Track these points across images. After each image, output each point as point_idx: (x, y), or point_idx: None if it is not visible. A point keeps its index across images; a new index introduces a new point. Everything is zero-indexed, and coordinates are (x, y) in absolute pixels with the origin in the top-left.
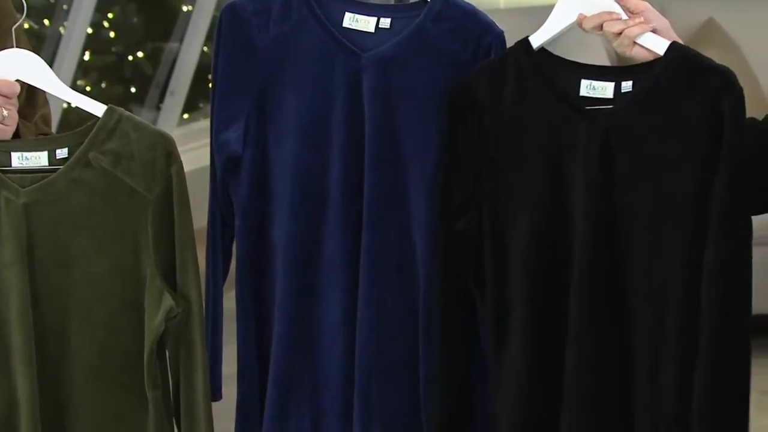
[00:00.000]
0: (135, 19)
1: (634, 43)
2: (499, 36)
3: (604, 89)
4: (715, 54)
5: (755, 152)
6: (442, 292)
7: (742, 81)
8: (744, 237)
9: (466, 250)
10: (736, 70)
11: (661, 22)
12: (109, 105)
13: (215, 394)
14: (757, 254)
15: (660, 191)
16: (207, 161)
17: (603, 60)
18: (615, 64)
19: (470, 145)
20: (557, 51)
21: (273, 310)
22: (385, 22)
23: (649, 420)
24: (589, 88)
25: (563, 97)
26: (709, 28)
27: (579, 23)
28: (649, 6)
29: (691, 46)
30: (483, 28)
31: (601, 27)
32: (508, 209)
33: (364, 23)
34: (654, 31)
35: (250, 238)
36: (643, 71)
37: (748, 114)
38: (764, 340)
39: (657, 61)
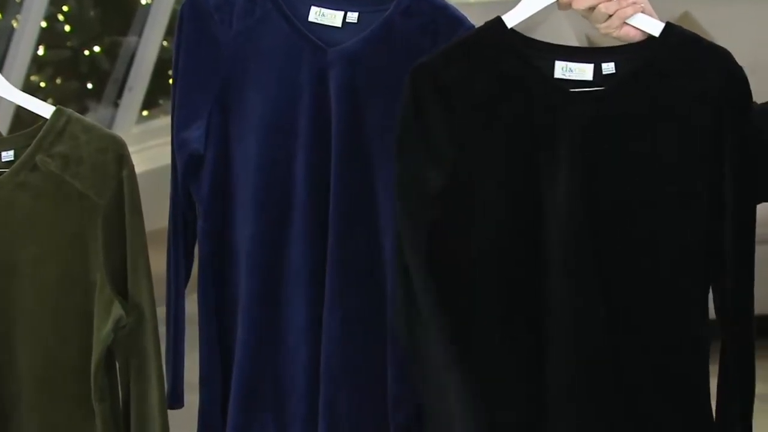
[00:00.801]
0: (91, 12)
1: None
2: (470, 30)
3: (583, 71)
4: None
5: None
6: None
7: None
8: (752, 225)
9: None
10: None
11: (647, 6)
12: (58, 106)
13: (177, 402)
14: (757, 252)
15: (650, 174)
16: (167, 160)
17: (572, 42)
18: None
19: (434, 131)
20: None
21: (236, 314)
22: (353, 17)
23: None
24: (565, 69)
25: (542, 80)
26: (685, 23)
27: (565, 3)
28: None
29: None
30: (454, 22)
31: (592, 8)
32: (481, 197)
33: (331, 17)
34: (643, 12)
35: (212, 240)
36: (626, 53)
37: None
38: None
39: (649, 42)
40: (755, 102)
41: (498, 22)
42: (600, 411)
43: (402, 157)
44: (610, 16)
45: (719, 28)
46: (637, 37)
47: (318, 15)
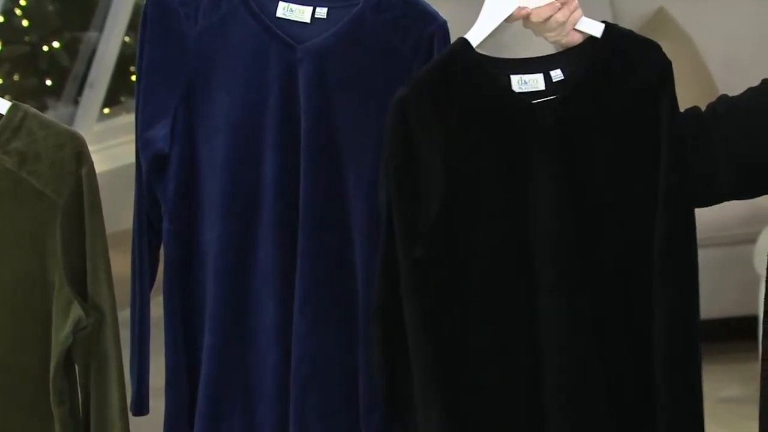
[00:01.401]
0: (50, 7)
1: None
2: (443, 26)
3: (536, 81)
4: (666, 46)
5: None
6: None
7: (694, 73)
8: (691, 217)
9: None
10: (688, 63)
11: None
12: (14, 102)
13: (142, 407)
14: (707, 256)
15: (617, 173)
16: (130, 159)
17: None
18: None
19: (421, 163)
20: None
21: (203, 317)
22: (322, 12)
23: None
24: (521, 82)
25: (507, 95)
26: (660, 18)
27: (523, 16)
28: None
29: None
30: (425, 17)
31: (547, 18)
32: (468, 221)
33: (300, 13)
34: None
35: (178, 242)
36: (568, 57)
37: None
38: (716, 346)
39: (590, 44)
40: (726, 94)
41: (464, 42)
42: (592, 417)
43: (394, 197)
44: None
45: (694, 24)
46: (579, 40)
47: (286, 10)
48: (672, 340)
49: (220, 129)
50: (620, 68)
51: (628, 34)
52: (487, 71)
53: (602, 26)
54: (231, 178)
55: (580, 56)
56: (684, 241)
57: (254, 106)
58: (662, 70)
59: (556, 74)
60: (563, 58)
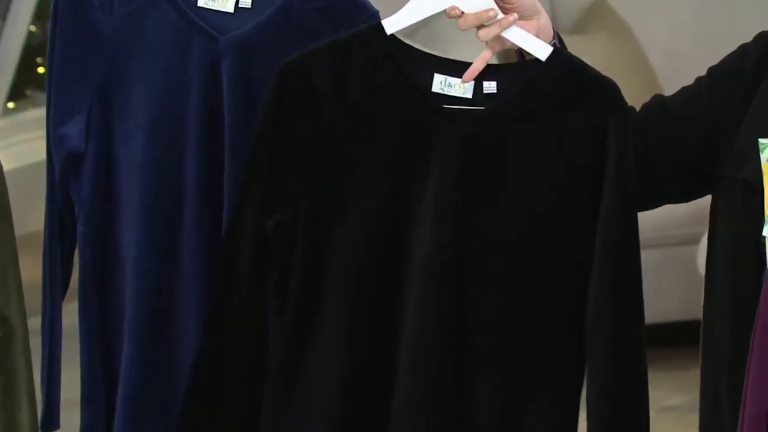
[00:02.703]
0: None
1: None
2: (375, 16)
3: (463, 87)
4: (605, 37)
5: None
6: (224, 295)
7: (635, 66)
8: (636, 259)
9: (267, 251)
10: (628, 55)
11: (543, 17)
12: None
13: (51, 422)
14: (647, 258)
15: (530, 209)
16: (39, 156)
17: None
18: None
19: (298, 139)
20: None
21: (122, 325)
22: (246, 1)
23: None
24: (444, 84)
25: (418, 93)
26: (599, 8)
27: (454, 16)
28: None
29: (580, 29)
30: (357, 7)
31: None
32: (334, 213)
33: (222, 2)
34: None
35: (94, 246)
36: (509, 72)
37: (642, 101)
38: (658, 352)
39: (534, 65)
40: (660, 94)
41: (377, 26)
42: None
43: (255, 167)
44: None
45: (634, 15)
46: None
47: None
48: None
49: (139, 126)
50: (562, 100)
51: (580, 65)
52: (399, 62)
53: (549, 50)
54: (151, 178)
55: (521, 74)
56: (630, 298)
57: (175, 101)
58: (617, 114)
59: (490, 86)
60: (503, 71)
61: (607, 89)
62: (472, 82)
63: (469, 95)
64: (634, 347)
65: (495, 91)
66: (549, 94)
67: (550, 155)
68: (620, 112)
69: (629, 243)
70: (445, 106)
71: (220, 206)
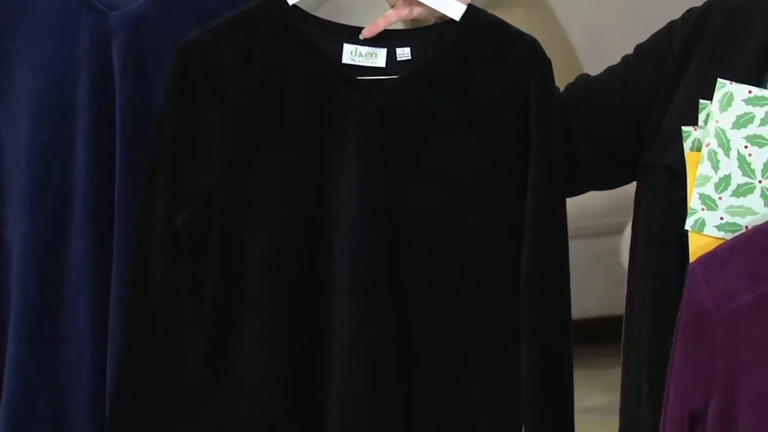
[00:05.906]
0: None
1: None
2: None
3: (374, 56)
4: (522, 13)
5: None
6: (138, 292)
7: (554, 43)
8: (563, 227)
9: (180, 244)
10: (546, 32)
11: None
12: None
13: None
14: (574, 248)
15: (454, 178)
16: None
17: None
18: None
19: (203, 124)
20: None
21: (6, 326)
22: None
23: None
24: (354, 54)
25: (327, 64)
26: None
27: None
28: None
29: (497, 4)
30: None
31: None
32: (249, 201)
33: None
34: None
35: None
36: (423, 37)
37: (562, 82)
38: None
39: (448, 26)
40: (586, 74)
41: None
42: None
43: (160, 158)
44: None
45: None
46: (423, 14)
47: None
48: (543, 376)
49: (24, 110)
50: (481, 61)
51: (499, 23)
52: (304, 33)
53: (462, 8)
54: (37, 167)
55: (435, 38)
56: (556, 266)
57: (63, 83)
58: (539, 73)
59: (403, 53)
60: (417, 36)
61: (529, 46)
62: (385, 50)
63: (383, 64)
64: (559, 325)
65: (409, 57)
66: (467, 56)
67: (471, 121)
68: (543, 71)
69: (557, 210)
70: (358, 77)
71: (111, 197)
